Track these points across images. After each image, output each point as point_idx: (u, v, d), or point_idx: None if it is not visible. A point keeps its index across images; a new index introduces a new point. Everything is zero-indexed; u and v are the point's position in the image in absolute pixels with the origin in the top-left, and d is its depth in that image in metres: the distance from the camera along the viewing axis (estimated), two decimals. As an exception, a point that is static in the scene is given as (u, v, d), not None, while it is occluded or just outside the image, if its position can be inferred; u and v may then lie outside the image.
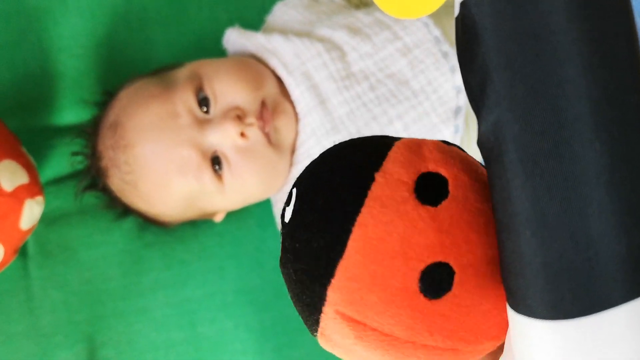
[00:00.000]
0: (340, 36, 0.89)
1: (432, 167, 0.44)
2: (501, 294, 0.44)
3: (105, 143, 0.89)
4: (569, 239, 0.40)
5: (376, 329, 0.43)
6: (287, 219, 0.47)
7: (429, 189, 0.43)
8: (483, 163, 0.45)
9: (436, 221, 0.42)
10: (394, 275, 0.41)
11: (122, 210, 0.95)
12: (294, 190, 0.47)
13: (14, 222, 0.83)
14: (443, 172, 0.44)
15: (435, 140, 0.47)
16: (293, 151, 0.90)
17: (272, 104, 0.87)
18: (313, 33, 0.91)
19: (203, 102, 0.86)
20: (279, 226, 0.96)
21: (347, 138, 0.85)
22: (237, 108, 0.85)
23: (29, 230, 0.87)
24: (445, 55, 0.87)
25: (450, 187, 0.44)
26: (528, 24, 0.40)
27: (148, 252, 0.99)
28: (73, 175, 0.98)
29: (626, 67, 0.40)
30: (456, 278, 0.42)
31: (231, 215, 0.99)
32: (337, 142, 0.87)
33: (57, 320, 0.96)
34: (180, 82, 0.87)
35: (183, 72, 0.89)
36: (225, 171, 0.86)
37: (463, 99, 0.86)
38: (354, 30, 0.89)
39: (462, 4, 0.43)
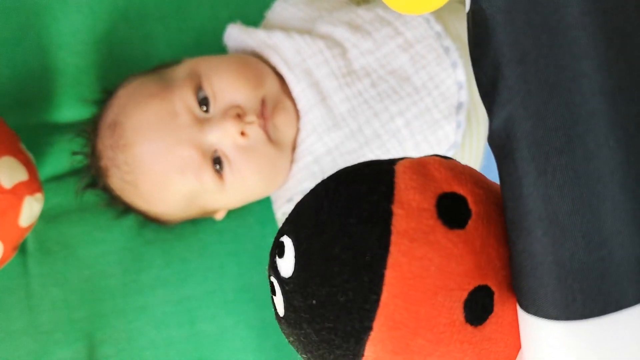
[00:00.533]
0: (341, 33, 0.89)
1: (446, 187, 0.41)
2: None
3: (105, 142, 0.89)
4: (581, 238, 0.39)
5: None
6: (286, 274, 0.42)
7: (451, 211, 0.40)
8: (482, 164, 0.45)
9: (468, 244, 0.39)
10: (440, 311, 0.38)
11: (123, 208, 0.95)
12: (287, 239, 0.43)
13: (13, 219, 0.83)
14: (459, 190, 0.42)
15: (435, 157, 0.44)
16: (294, 149, 0.89)
17: (273, 102, 0.87)
18: (314, 30, 0.91)
19: (203, 101, 0.86)
20: (279, 223, 0.95)
21: (348, 135, 0.86)
22: (237, 106, 0.84)
23: (29, 228, 0.86)
24: (446, 50, 0.87)
25: (471, 205, 0.41)
26: (541, 17, 0.39)
27: (148, 249, 0.99)
28: (72, 173, 0.98)
29: None
30: (496, 298, 0.40)
31: (231, 213, 0.99)
32: (336, 138, 0.87)
33: (56, 317, 0.95)
34: (179, 81, 0.87)
35: (182, 70, 0.89)
36: (226, 170, 0.86)
37: (465, 95, 0.86)
38: (355, 27, 0.89)
39: None
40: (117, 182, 0.90)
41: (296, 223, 0.43)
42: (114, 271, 0.97)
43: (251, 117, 0.84)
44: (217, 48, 0.98)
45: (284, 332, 0.44)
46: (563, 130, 0.39)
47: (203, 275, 0.98)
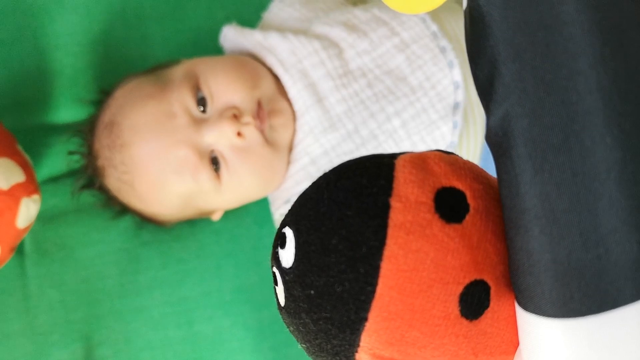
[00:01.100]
0: (337, 33, 0.89)
1: (445, 181, 0.42)
2: None
3: (102, 142, 0.89)
4: (578, 235, 0.39)
5: None
6: (287, 264, 0.43)
7: (449, 206, 0.41)
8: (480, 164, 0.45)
9: (465, 238, 0.40)
10: (434, 304, 0.39)
11: (119, 209, 0.94)
12: (288, 230, 0.43)
13: (10, 221, 0.83)
14: (457, 184, 0.42)
15: (436, 152, 0.45)
16: (291, 150, 0.89)
17: (269, 103, 0.87)
18: (310, 30, 0.91)
19: (200, 101, 0.86)
20: (277, 224, 0.95)
21: (344, 136, 0.86)
22: (233, 107, 0.84)
23: (26, 229, 0.86)
24: (443, 50, 0.87)
25: (469, 200, 0.42)
26: (538, 15, 0.40)
27: (145, 250, 0.98)
28: (69, 174, 0.98)
29: (638, 58, 0.40)
30: (492, 293, 0.40)
31: (228, 214, 0.99)
32: (332, 139, 0.86)
33: (53, 319, 0.95)
34: (177, 81, 0.87)
35: (179, 71, 0.89)
36: (223, 171, 0.86)
37: (461, 95, 0.86)
38: (351, 27, 0.89)
39: None
40: (114, 182, 0.90)
41: (297, 214, 0.43)
42: (111, 272, 0.97)
43: (247, 118, 0.84)
44: (214, 49, 0.98)
45: (285, 322, 0.44)
46: (559, 128, 0.39)
47: (200, 276, 0.98)
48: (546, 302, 0.41)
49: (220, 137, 0.84)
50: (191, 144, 0.84)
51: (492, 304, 0.40)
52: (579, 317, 0.40)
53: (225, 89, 0.86)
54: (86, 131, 0.93)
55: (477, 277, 0.39)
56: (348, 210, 0.40)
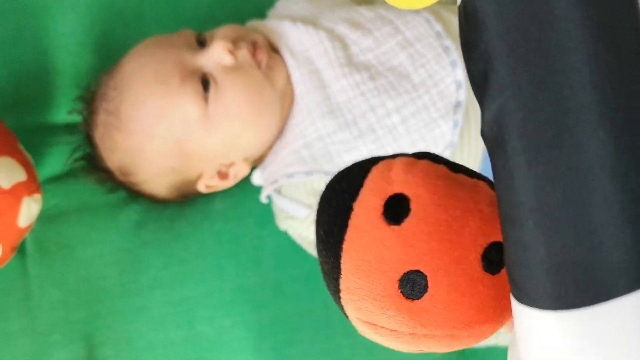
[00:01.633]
0: (341, 30, 0.90)
1: (397, 188, 0.49)
2: (482, 284, 0.48)
3: (101, 86, 0.92)
4: (572, 228, 0.40)
5: (384, 326, 0.50)
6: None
7: (394, 210, 0.49)
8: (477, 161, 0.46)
9: (400, 237, 0.48)
10: (377, 286, 0.49)
11: (106, 177, 0.95)
12: None
13: (12, 220, 0.83)
14: (406, 191, 0.49)
15: (406, 159, 0.52)
16: (287, 133, 0.90)
17: (266, 51, 0.90)
18: (317, 24, 0.92)
19: (201, 43, 0.90)
20: (278, 223, 0.96)
21: (342, 125, 0.86)
22: (229, 40, 0.88)
23: (27, 228, 0.87)
24: (446, 49, 0.87)
25: (412, 205, 0.49)
26: (530, 10, 0.40)
27: (146, 250, 0.99)
28: (71, 173, 0.98)
29: (631, 54, 0.40)
30: (429, 280, 0.47)
31: (229, 213, 0.99)
32: (329, 125, 0.87)
33: (54, 318, 0.95)
34: (182, 32, 0.92)
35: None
36: (212, 92, 0.87)
37: (463, 94, 0.86)
38: (356, 25, 0.90)
39: None
40: (101, 120, 0.90)
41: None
42: (112, 272, 0.97)
43: (242, 44, 0.88)
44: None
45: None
46: (553, 123, 0.39)
47: (201, 276, 0.98)
48: (541, 294, 0.41)
49: (212, 55, 0.87)
50: (182, 62, 0.87)
51: (430, 288, 0.47)
52: (574, 309, 0.40)
53: (224, 34, 0.90)
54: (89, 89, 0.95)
55: (412, 268, 0.48)
56: (330, 208, 0.51)
